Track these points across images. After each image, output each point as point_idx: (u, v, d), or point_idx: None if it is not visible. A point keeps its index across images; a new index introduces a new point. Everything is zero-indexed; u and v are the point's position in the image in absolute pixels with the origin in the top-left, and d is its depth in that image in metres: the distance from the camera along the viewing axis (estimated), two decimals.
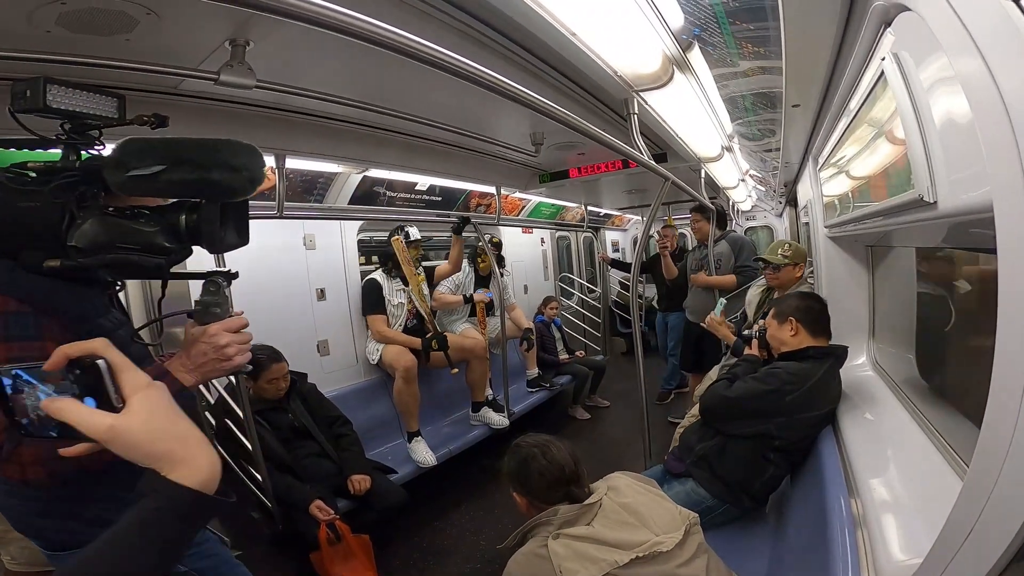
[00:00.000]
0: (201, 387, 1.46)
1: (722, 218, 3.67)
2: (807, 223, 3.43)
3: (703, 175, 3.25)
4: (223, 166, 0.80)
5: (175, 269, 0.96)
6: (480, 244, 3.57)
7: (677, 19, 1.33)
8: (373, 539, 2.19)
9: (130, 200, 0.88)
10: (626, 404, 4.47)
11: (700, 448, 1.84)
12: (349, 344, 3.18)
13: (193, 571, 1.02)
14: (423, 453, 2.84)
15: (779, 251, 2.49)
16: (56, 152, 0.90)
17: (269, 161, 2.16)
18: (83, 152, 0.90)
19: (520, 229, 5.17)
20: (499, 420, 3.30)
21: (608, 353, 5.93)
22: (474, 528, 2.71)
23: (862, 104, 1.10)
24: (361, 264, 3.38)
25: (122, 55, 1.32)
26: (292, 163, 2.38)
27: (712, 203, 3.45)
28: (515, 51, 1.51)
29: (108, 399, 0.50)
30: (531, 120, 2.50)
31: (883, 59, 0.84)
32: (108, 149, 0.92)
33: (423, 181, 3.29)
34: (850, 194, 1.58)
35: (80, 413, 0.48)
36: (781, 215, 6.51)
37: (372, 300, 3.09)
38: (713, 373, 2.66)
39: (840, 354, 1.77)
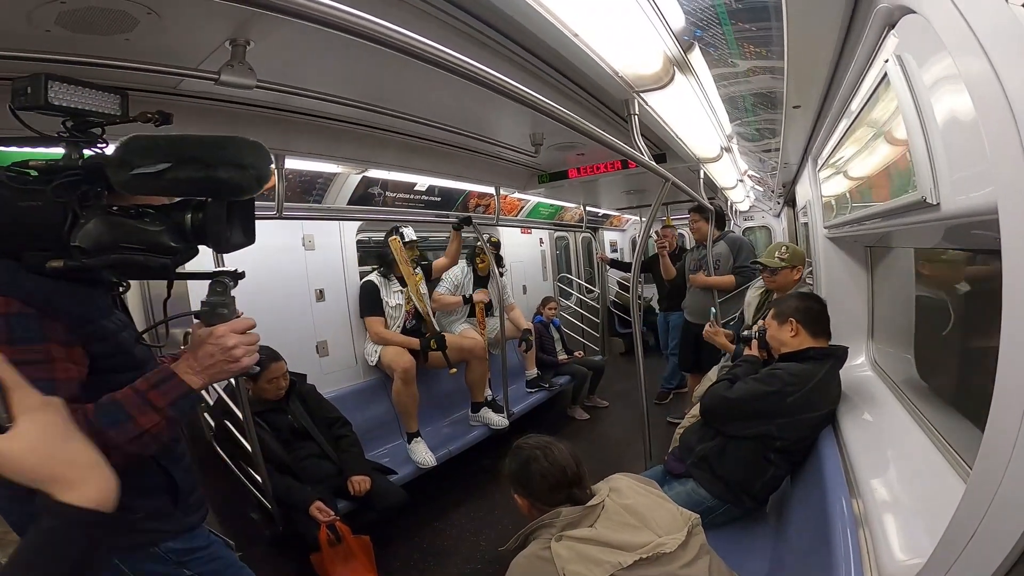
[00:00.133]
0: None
1: (720, 218, 3.68)
2: (806, 223, 3.44)
3: (702, 175, 3.25)
4: (230, 164, 0.78)
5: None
6: (479, 244, 3.56)
7: (678, 20, 1.33)
8: (373, 540, 2.18)
9: (134, 199, 0.86)
10: (625, 404, 4.47)
11: (700, 449, 1.84)
12: (348, 345, 3.17)
13: (198, 575, 1.01)
14: (423, 454, 2.84)
15: (776, 254, 2.46)
16: (57, 151, 0.89)
17: None
18: (85, 150, 0.88)
19: (519, 229, 5.17)
20: (498, 420, 3.30)
21: (606, 353, 5.94)
22: (474, 529, 2.71)
23: (863, 106, 1.10)
24: (360, 267, 3.37)
25: (122, 55, 1.31)
26: (291, 163, 2.38)
27: (711, 203, 3.46)
28: (516, 51, 1.51)
29: None
30: (531, 120, 2.50)
31: (886, 61, 0.84)
32: (110, 147, 0.91)
33: (422, 181, 3.29)
34: (850, 195, 1.58)
35: None
36: (779, 215, 6.52)
37: (369, 302, 3.08)
38: (712, 374, 2.67)
39: (840, 355, 1.77)
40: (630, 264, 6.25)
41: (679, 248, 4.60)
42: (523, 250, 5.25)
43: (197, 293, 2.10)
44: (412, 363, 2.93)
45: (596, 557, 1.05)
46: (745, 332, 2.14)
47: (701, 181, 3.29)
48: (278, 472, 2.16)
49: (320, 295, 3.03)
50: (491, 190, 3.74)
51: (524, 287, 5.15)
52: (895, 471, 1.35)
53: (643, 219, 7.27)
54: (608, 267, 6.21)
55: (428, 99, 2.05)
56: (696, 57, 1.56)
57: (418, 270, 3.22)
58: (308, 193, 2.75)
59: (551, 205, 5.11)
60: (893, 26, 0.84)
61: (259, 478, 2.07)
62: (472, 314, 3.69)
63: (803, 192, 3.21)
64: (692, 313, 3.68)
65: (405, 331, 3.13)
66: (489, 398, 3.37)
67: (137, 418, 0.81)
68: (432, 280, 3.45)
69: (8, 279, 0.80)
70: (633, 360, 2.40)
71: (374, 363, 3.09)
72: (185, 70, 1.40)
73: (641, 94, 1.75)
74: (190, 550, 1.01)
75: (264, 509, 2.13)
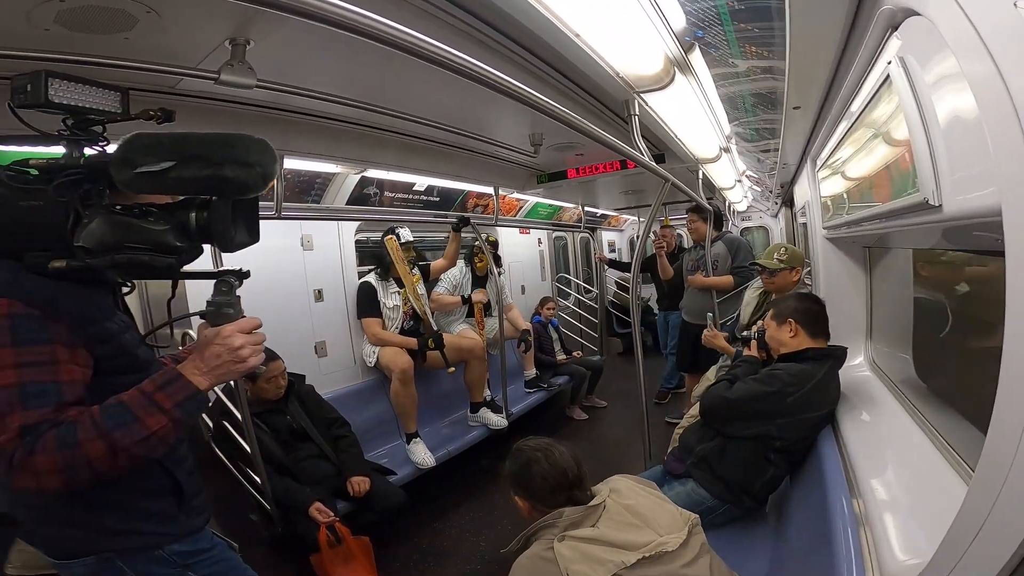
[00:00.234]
0: None
1: (718, 219, 3.69)
2: (804, 223, 3.45)
3: (701, 176, 3.26)
4: (235, 162, 0.77)
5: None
6: (477, 244, 3.56)
7: (679, 20, 1.33)
8: (372, 541, 2.18)
9: (136, 197, 0.85)
10: (624, 404, 4.47)
11: (700, 449, 1.85)
12: (347, 345, 3.16)
13: None
14: (422, 454, 2.83)
15: (775, 255, 2.45)
16: (53, 150, 0.88)
17: None
18: (86, 149, 0.87)
19: (517, 229, 5.17)
20: (497, 421, 3.30)
21: (605, 353, 5.94)
22: (473, 529, 2.71)
23: (865, 107, 1.11)
24: (359, 267, 3.36)
25: (121, 53, 1.30)
26: (290, 163, 2.37)
27: (709, 203, 3.46)
28: (517, 52, 1.50)
29: None
30: (530, 121, 2.50)
31: (889, 63, 0.85)
32: (111, 145, 0.90)
33: (421, 181, 3.28)
34: (850, 196, 1.59)
35: None
36: (777, 216, 6.55)
37: (366, 303, 3.07)
38: (710, 374, 2.67)
39: (839, 355, 1.78)
40: (628, 264, 6.26)
41: (677, 248, 4.61)
42: (521, 250, 5.25)
43: (194, 292, 2.10)
44: (410, 363, 2.92)
45: (599, 556, 1.05)
46: (744, 333, 2.14)
47: (700, 181, 3.30)
48: (277, 473, 2.15)
49: (319, 295, 3.02)
50: (490, 190, 3.74)
51: (522, 287, 5.15)
52: (895, 471, 1.35)
53: (641, 219, 7.29)
54: (606, 267, 6.22)
55: (428, 99, 2.04)
56: (696, 57, 1.56)
57: (416, 270, 3.21)
58: (307, 193, 2.74)
59: (549, 205, 5.12)
60: (896, 28, 0.84)
61: (258, 479, 2.06)
62: (471, 314, 3.68)
63: (801, 192, 3.22)
64: (690, 313, 3.69)
65: (403, 332, 3.12)
66: (488, 398, 3.37)
67: (144, 420, 0.80)
68: (430, 281, 3.44)
69: (10, 280, 0.79)
70: (631, 360, 2.40)
71: (372, 364, 3.09)
72: (185, 69, 1.39)
73: (641, 94, 1.75)
74: (194, 552, 1.00)
75: (263, 510, 2.12)
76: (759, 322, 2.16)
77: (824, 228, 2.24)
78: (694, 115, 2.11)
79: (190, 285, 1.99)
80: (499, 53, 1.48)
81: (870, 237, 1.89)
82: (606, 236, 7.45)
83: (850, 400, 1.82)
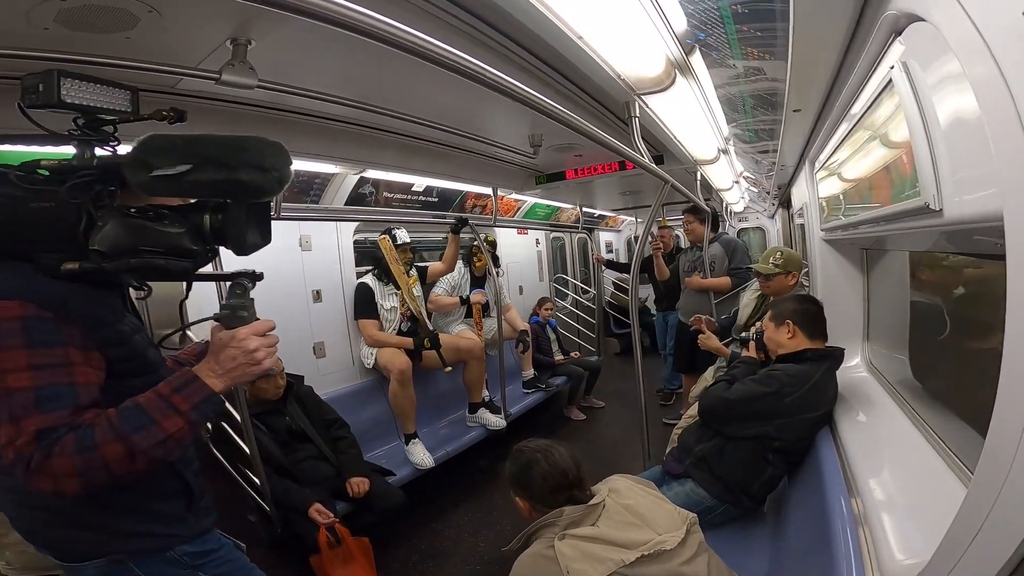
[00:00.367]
0: None
1: (714, 220, 3.70)
2: (801, 225, 3.47)
3: (698, 177, 3.27)
4: (251, 166, 0.76)
5: None
6: (476, 244, 3.56)
7: (681, 23, 1.34)
8: (371, 542, 2.17)
9: (146, 199, 0.85)
10: (621, 405, 4.48)
11: (699, 449, 1.86)
12: (345, 346, 3.16)
13: None
14: (420, 455, 2.83)
15: (770, 259, 2.44)
16: (57, 150, 0.87)
17: None
18: (97, 149, 0.86)
19: (516, 230, 5.17)
20: (496, 421, 3.30)
21: (602, 354, 5.96)
22: (472, 530, 2.71)
23: (865, 111, 1.12)
24: (357, 267, 3.35)
25: (121, 53, 1.30)
26: None
27: (706, 205, 3.48)
28: (519, 54, 1.51)
29: None
30: (530, 122, 2.50)
31: (892, 67, 0.85)
32: (121, 146, 0.89)
33: (420, 182, 3.28)
34: (849, 198, 1.60)
35: None
36: (773, 217, 6.57)
37: (363, 304, 3.06)
38: (708, 374, 2.68)
39: (837, 356, 1.79)
40: (625, 265, 6.28)
41: (675, 248, 4.62)
42: (519, 251, 5.25)
43: (194, 293, 2.08)
44: (408, 364, 2.92)
45: (599, 555, 1.07)
46: (743, 334, 2.15)
47: (698, 183, 3.31)
48: (276, 474, 2.14)
49: (317, 296, 3.02)
50: (488, 191, 3.74)
51: (520, 288, 5.16)
52: (892, 471, 1.37)
53: (638, 220, 7.31)
54: (604, 268, 6.23)
55: (428, 100, 2.04)
56: (697, 59, 1.57)
57: (413, 272, 3.20)
58: (305, 193, 2.73)
59: (548, 206, 5.12)
60: (900, 33, 0.85)
61: (257, 480, 2.05)
62: (469, 315, 3.68)
63: (799, 194, 3.24)
64: (686, 314, 3.70)
65: (401, 334, 3.11)
66: (486, 399, 3.37)
67: (161, 422, 0.80)
68: (427, 284, 3.43)
69: (22, 282, 0.78)
70: (628, 360, 2.42)
71: (371, 365, 3.08)
72: (186, 69, 1.38)
73: (642, 96, 1.76)
74: (204, 553, 1.00)
75: (262, 511, 2.12)
76: (757, 323, 2.18)
77: (822, 230, 2.25)
78: (694, 117, 2.12)
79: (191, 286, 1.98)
80: (502, 55, 1.49)
81: (868, 239, 1.91)
82: (603, 236, 7.47)
83: (847, 401, 1.83)
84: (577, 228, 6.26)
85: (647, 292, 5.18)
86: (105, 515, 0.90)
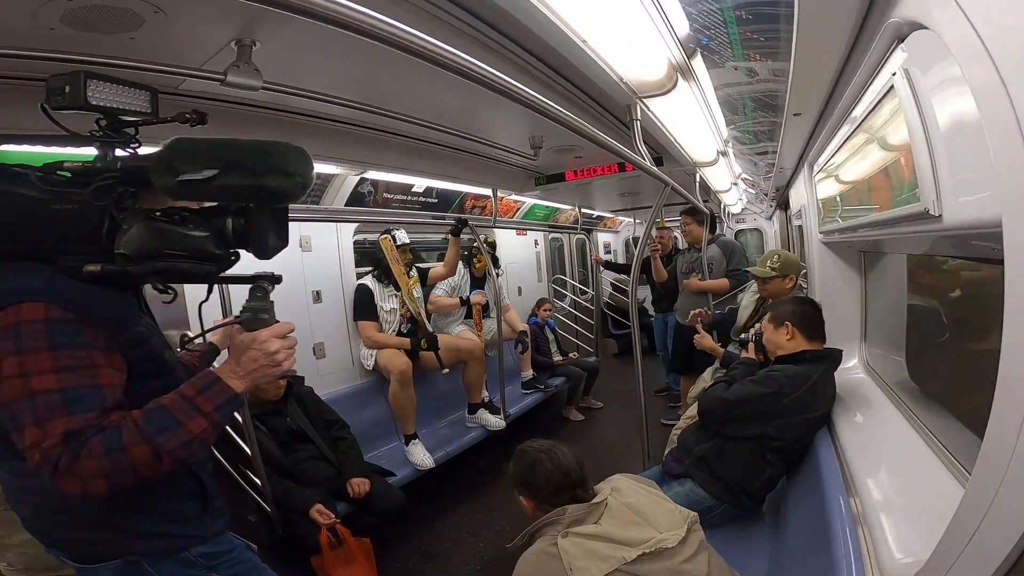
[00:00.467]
0: None
1: (712, 222, 3.72)
2: (799, 226, 3.49)
3: (697, 179, 3.28)
4: (277, 171, 0.77)
5: None
6: (475, 244, 3.57)
7: (683, 26, 1.35)
8: (371, 542, 2.18)
9: (167, 201, 0.85)
10: (620, 405, 4.50)
11: (699, 449, 1.87)
12: (345, 346, 3.16)
13: None
14: (420, 455, 2.83)
15: (768, 263, 2.43)
16: (55, 150, 0.86)
17: None
18: (118, 151, 0.86)
19: (515, 231, 5.17)
20: (495, 422, 3.30)
21: (600, 355, 5.97)
22: (472, 530, 2.72)
23: (866, 116, 1.13)
24: (357, 268, 3.35)
25: (125, 54, 1.30)
26: None
27: (705, 206, 3.49)
28: (523, 56, 1.51)
29: None
30: (530, 123, 2.51)
31: (893, 74, 0.87)
32: (142, 147, 0.89)
33: (421, 183, 3.28)
34: (848, 201, 1.62)
35: None
36: (771, 218, 6.60)
37: (362, 306, 3.06)
38: (707, 375, 2.70)
39: (836, 357, 1.81)
40: (624, 266, 6.29)
41: (673, 249, 4.64)
42: (518, 251, 5.26)
43: (192, 294, 2.08)
44: (408, 365, 2.92)
45: (601, 552, 1.08)
46: (742, 335, 2.17)
47: (697, 184, 3.32)
48: (276, 474, 2.14)
49: (317, 296, 3.01)
50: (488, 192, 3.75)
51: (519, 288, 5.16)
52: (890, 471, 1.38)
53: (637, 220, 7.33)
54: (602, 269, 6.24)
55: (430, 101, 2.05)
56: (698, 62, 1.58)
57: (413, 272, 3.21)
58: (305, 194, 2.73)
59: (547, 207, 5.13)
60: (902, 40, 0.86)
61: (258, 481, 2.05)
62: (469, 315, 3.69)
63: (797, 196, 3.25)
64: (684, 316, 3.71)
65: (401, 335, 3.11)
66: (486, 399, 3.38)
67: (187, 424, 0.80)
68: (427, 286, 3.44)
69: (45, 284, 0.78)
70: (626, 361, 2.43)
71: (370, 367, 3.08)
72: (190, 70, 1.38)
73: (644, 99, 1.77)
74: (218, 554, 1.01)
75: (263, 512, 2.12)
76: (756, 325, 2.19)
77: (820, 232, 2.27)
78: (694, 119, 2.13)
79: (188, 288, 1.98)
80: (506, 58, 1.49)
81: (866, 242, 1.93)
82: (601, 237, 7.49)
83: (845, 402, 1.85)
84: (576, 229, 6.27)
85: (645, 293, 5.19)
86: (125, 516, 0.90)
